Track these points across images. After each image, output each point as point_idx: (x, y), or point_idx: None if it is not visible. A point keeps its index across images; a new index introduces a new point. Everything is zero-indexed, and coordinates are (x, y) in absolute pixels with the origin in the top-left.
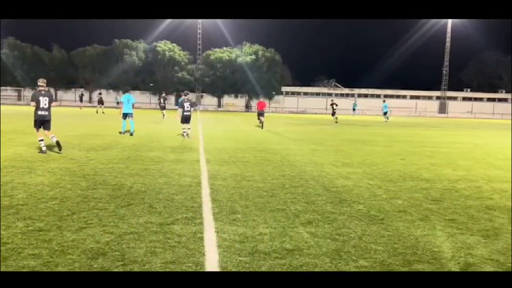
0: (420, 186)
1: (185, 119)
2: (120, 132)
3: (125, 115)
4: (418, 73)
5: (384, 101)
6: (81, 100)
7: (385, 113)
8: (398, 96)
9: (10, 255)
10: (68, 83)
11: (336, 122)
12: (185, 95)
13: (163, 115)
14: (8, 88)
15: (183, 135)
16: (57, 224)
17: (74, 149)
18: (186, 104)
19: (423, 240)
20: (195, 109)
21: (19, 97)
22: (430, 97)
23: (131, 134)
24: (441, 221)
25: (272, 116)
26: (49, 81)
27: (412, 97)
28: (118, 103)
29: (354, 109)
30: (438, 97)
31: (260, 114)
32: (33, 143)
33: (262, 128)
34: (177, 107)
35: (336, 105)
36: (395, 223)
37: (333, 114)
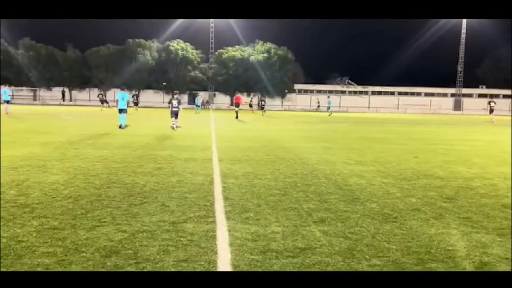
0: (434, 184)
1: (173, 114)
2: (120, 126)
3: (120, 111)
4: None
5: (328, 97)
6: (101, 102)
7: (328, 108)
8: (412, 93)
9: (25, 253)
10: (82, 83)
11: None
12: (174, 94)
13: (174, 126)
14: (24, 88)
15: (172, 127)
16: (71, 222)
17: (88, 148)
18: (174, 102)
19: (437, 238)
20: (208, 107)
21: (34, 97)
22: (444, 94)
23: (121, 127)
24: (455, 219)
25: (284, 114)
26: (63, 81)
27: (426, 94)
28: (103, 100)
29: (328, 108)
30: (453, 94)
31: (237, 106)
32: (48, 143)
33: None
34: (190, 106)
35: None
36: (409, 221)
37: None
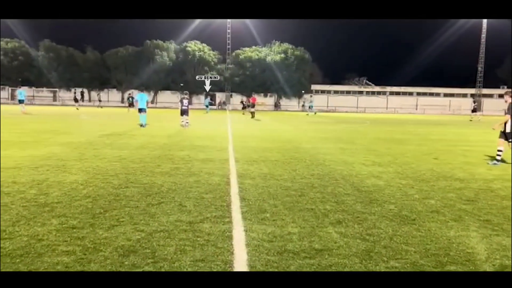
0: (454, 186)
1: (183, 112)
2: (140, 125)
3: (140, 110)
4: (452, 70)
5: (311, 96)
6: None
7: (310, 107)
8: (431, 94)
9: (45, 252)
10: (101, 84)
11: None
12: (185, 94)
13: (183, 123)
14: (44, 89)
15: (181, 124)
16: (90, 221)
17: (107, 148)
18: (185, 101)
19: (456, 241)
20: (225, 106)
21: (54, 98)
22: (464, 95)
23: (142, 126)
24: (475, 222)
25: (301, 114)
26: (82, 82)
27: (445, 94)
28: (132, 101)
29: (310, 107)
30: (472, 95)
31: (252, 106)
32: (68, 143)
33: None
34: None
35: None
36: (428, 223)
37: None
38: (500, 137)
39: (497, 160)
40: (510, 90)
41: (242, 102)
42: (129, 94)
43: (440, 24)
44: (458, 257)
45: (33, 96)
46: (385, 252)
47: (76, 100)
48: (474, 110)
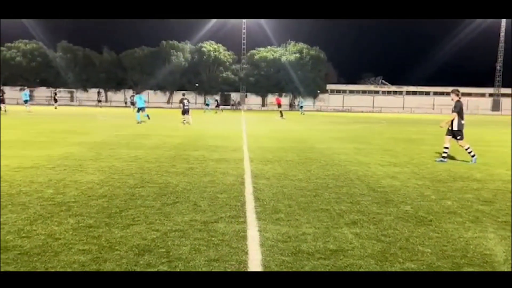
0: (471, 187)
1: (185, 112)
2: (138, 122)
3: (139, 109)
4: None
5: (300, 96)
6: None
7: (301, 107)
8: (448, 94)
9: (61, 250)
10: (117, 84)
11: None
12: (184, 95)
13: (186, 122)
14: (62, 89)
15: (183, 122)
16: (105, 221)
17: (123, 148)
18: (185, 102)
19: (473, 242)
20: (240, 106)
21: (71, 98)
22: (482, 94)
23: (141, 120)
24: (493, 223)
25: (316, 114)
26: (99, 83)
27: (463, 94)
28: (132, 102)
29: (301, 107)
30: (491, 94)
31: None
32: (84, 143)
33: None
34: (222, 107)
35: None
36: (444, 224)
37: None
38: (447, 134)
39: (443, 157)
40: (456, 88)
41: (216, 100)
42: (132, 95)
43: (457, 23)
44: (476, 259)
45: (51, 96)
46: (401, 253)
47: (54, 100)
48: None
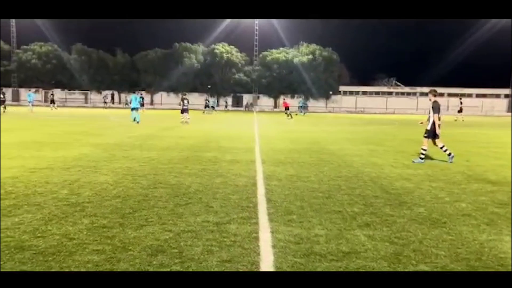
0: (486, 189)
1: (184, 111)
2: (134, 120)
3: (133, 109)
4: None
5: (301, 97)
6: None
7: (301, 107)
8: (463, 95)
9: (76, 250)
10: (131, 86)
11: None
12: (184, 95)
13: (185, 121)
14: (76, 91)
15: (182, 122)
16: (119, 221)
17: (136, 149)
18: (185, 102)
19: (488, 245)
20: (252, 108)
21: (85, 100)
22: (497, 95)
23: (136, 121)
24: (508, 225)
25: (329, 116)
26: (113, 85)
27: (478, 95)
28: (127, 103)
29: (300, 106)
30: (506, 95)
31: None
32: (98, 144)
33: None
34: (234, 108)
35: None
36: (459, 227)
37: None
38: (433, 137)
39: (421, 158)
40: (433, 88)
41: (206, 100)
42: (140, 95)
43: (472, 23)
44: (491, 262)
45: (65, 98)
46: (414, 255)
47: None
48: (460, 110)
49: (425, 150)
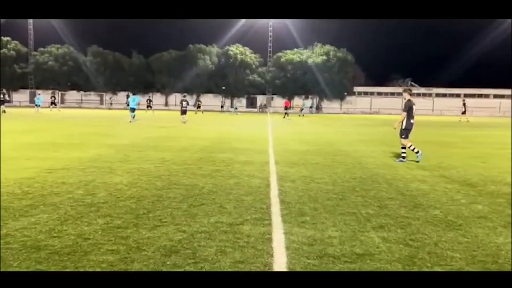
0: (503, 191)
1: (183, 112)
2: (130, 121)
3: (131, 109)
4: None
5: (307, 98)
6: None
7: (311, 107)
8: (480, 95)
9: (91, 250)
10: (145, 88)
11: None
12: (184, 97)
13: (183, 121)
14: (92, 93)
15: (182, 122)
16: (133, 221)
17: (151, 150)
18: (184, 103)
19: (505, 248)
20: (266, 109)
21: (101, 101)
22: None
23: (133, 118)
24: None
25: (343, 117)
26: (128, 86)
27: (495, 96)
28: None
29: (302, 109)
30: None
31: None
32: (113, 145)
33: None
34: (248, 109)
35: None
36: (474, 229)
37: None
38: (405, 136)
39: (403, 158)
40: (408, 87)
41: (199, 101)
42: (148, 97)
43: (488, 22)
44: (507, 265)
45: (81, 99)
46: (429, 258)
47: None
48: (464, 112)
49: (404, 149)
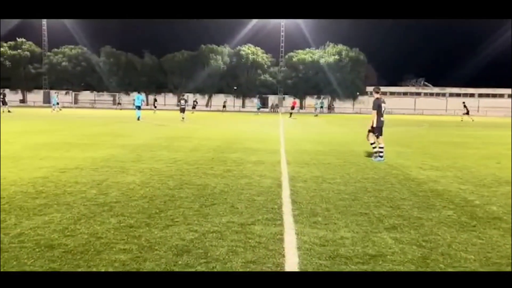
0: None
1: (182, 110)
2: (138, 119)
3: (137, 107)
4: None
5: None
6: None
7: (316, 109)
8: (494, 95)
9: (104, 249)
10: (158, 88)
11: None
12: (183, 96)
13: (183, 118)
14: (105, 93)
15: (181, 119)
16: (146, 221)
17: (163, 150)
18: (182, 102)
19: None
20: (278, 109)
21: (114, 102)
22: None
23: (138, 119)
24: None
25: (356, 117)
26: (141, 86)
27: (510, 95)
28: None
29: (316, 108)
30: None
31: (292, 108)
32: (126, 145)
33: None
34: (257, 109)
35: None
36: (489, 230)
37: None
38: (369, 132)
39: (380, 157)
40: (377, 86)
41: (195, 101)
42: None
43: (502, 22)
44: None
45: (94, 100)
46: (443, 259)
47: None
48: (467, 113)
49: (381, 148)
